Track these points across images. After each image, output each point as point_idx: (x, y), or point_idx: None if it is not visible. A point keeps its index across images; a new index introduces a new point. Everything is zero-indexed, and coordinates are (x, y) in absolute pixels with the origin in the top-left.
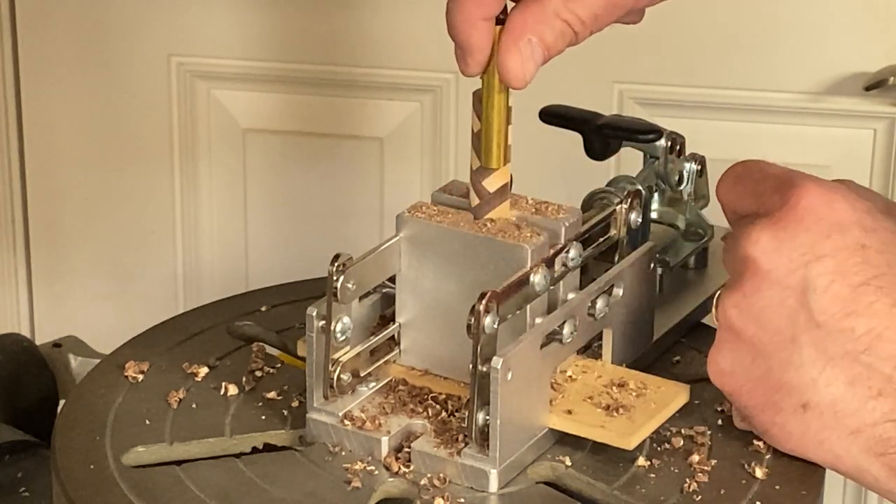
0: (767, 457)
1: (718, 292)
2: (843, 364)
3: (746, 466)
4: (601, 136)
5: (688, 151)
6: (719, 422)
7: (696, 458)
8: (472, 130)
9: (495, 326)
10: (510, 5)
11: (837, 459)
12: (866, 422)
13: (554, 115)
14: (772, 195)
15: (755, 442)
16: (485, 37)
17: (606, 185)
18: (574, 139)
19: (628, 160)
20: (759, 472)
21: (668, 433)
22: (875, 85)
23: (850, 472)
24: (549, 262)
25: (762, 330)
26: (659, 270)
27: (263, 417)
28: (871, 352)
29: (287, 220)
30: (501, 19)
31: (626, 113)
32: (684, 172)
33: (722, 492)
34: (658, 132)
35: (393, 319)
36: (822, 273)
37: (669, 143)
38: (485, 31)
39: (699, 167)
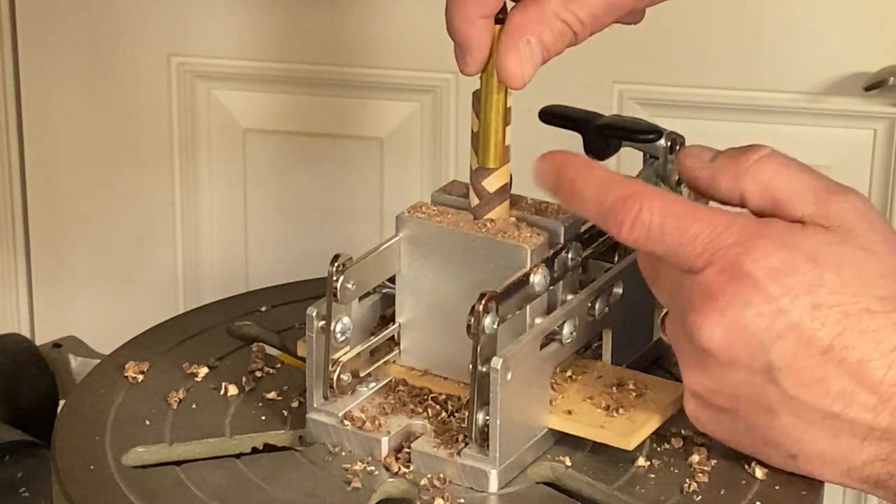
0: None
1: (663, 314)
2: (824, 424)
3: (746, 466)
4: (601, 136)
5: None
6: None
7: (696, 458)
8: (472, 130)
9: (495, 327)
10: (510, 5)
11: (835, 485)
12: (855, 464)
13: (554, 115)
14: (706, 268)
15: None
16: (484, 35)
17: None
18: (574, 139)
19: (628, 160)
20: (759, 473)
21: (668, 433)
22: (875, 85)
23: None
24: (549, 263)
25: (737, 403)
26: None
27: (263, 417)
28: (848, 408)
29: (287, 220)
30: (501, 19)
31: (626, 113)
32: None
33: (722, 492)
34: (658, 132)
35: (393, 320)
36: (784, 351)
37: (669, 144)
38: (484, 30)
39: None
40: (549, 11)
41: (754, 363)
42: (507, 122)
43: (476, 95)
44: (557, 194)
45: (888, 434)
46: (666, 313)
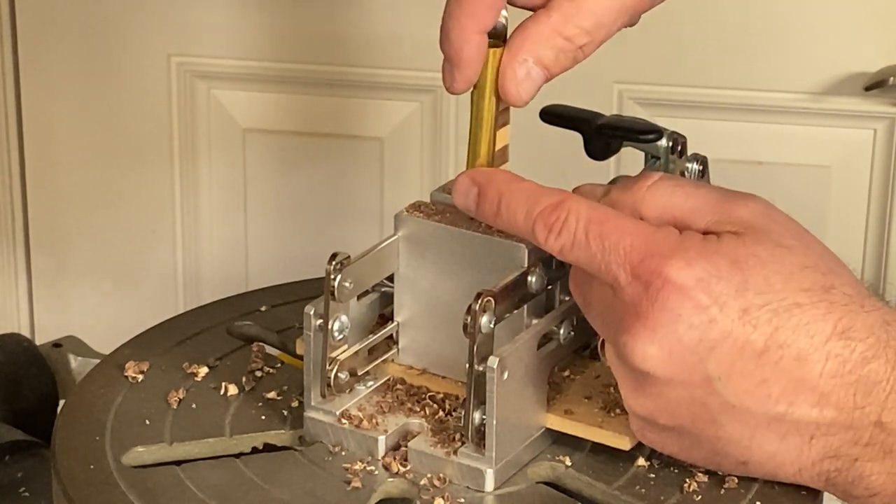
0: None
1: (600, 340)
2: (770, 427)
3: None
4: (601, 136)
5: (688, 152)
6: None
7: None
8: (471, 130)
9: (491, 326)
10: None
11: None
12: (806, 463)
13: (554, 115)
14: (631, 282)
15: None
16: (476, 51)
17: None
18: (574, 139)
19: (628, 160)
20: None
21: None
22: (875, 85)
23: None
24: (547, 262)
25: (680, 420)
26: None
27: (263, 417)
28: (792, 407)
29: (287, 220)
30: (494, 42)
31: (626, 113)
32: (686, 173)
33: (722, 492)
34: (658, 132)
35: (392, 318)
36: (721, 360)
37: (671, 144)
38: (477, 47)
39: (701, 167)
40: (548, 29)
41: (693, 377)
42: (495, 134)
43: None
44: (482, 211)
45: (833, 428)
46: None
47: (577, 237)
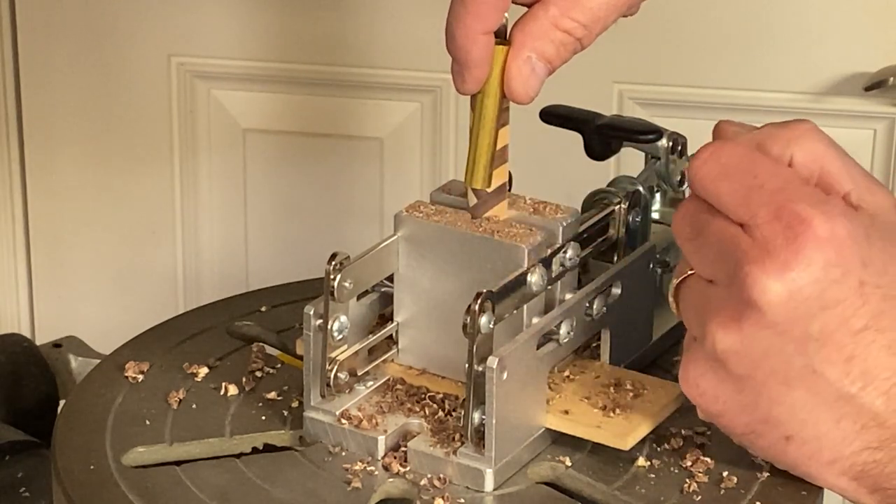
0: None
1: (675, 283)
2: (835, 405)
3: (746, 466)
4: (601, 136)
5: (688, 152)
6: None
7: (695, 458)
8: (470, 130)
9: (491, 326)
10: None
11: (808, 478)
12: (845, 453)
13: (554, 115)
14: (771, 221)
15: None
16: (484, 52)
17: (607, 186)
18: (574, 139)
19: (629, 160)
20: (760, 473)
21: (668, 433)
22: (875, 85)
23: (820, 484)
24: (547, 262)
25: (756, 370)
26: (658, 271)
27: (263, 417)
28: (863, 392)
29: (287, 220)
30: (500, 40)
31: (626, 113)
32: (686, 173)
33: (722, 492)
34: (658, 132)
35: (391, 318)
36: (826, 324)
37: (671, 144)
38: (484, 47)
39: None
40: (546, 23)
41: (794, 329)
42: (501, 124)
43: (475, 96)
44: None
45: (887, 421)
46: (681, 281)
47: (727, 169)
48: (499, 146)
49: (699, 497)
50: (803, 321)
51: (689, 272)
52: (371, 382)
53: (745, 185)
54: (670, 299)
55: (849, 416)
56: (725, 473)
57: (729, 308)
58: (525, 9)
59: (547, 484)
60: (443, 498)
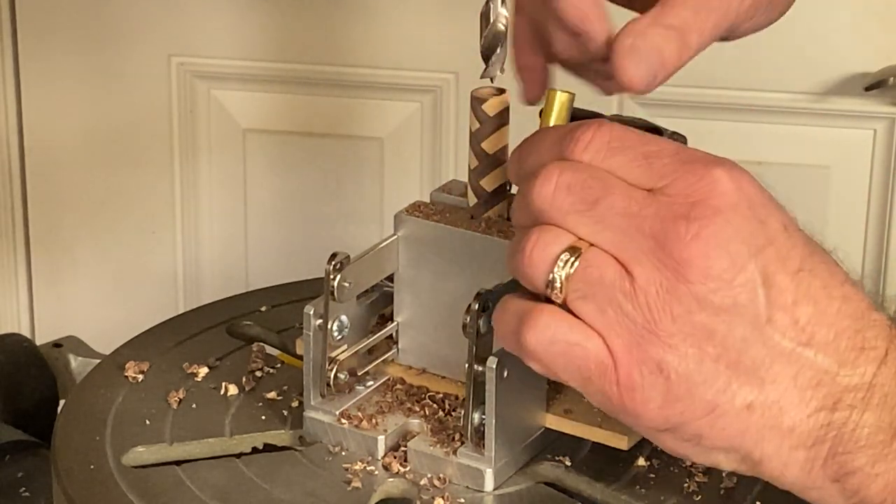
0: None
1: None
2: (790, 360)
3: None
4: None
5: None
6: None
7: None
8: (471, 130)
9: (491, 326)
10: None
11: (761, 465)
12: (803, 415)
13: None
14: (682, 177)
15: None
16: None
17: None
18: None
19: None
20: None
21: None
22: (875, 85)
23: (773, 472)
24: None
25: (716, 323)
26: None
27: (263, 417)
28: (812, 342)
29: (287, 220)
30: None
31: (626, 113)
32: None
33: (722, 492)
34: (658, 132)
35: (392, 318)
36: (766, 264)
37: None
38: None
39: None
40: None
41: (738, 276)
42: (501, 125)
43: (475, 96)
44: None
45: (837, 376)
46: (575, 263)
47: (614, 144)
48: (499, 146)
49: (699, 497)
50: (744, 264)
51: (573, 251)
52: (371, 382)
53: (642, 154)
54: (560, 286)
55: (804, 372)
56: (725, 473)
57: (666, 272)
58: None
59: (547, 484)
60: (443, 498)
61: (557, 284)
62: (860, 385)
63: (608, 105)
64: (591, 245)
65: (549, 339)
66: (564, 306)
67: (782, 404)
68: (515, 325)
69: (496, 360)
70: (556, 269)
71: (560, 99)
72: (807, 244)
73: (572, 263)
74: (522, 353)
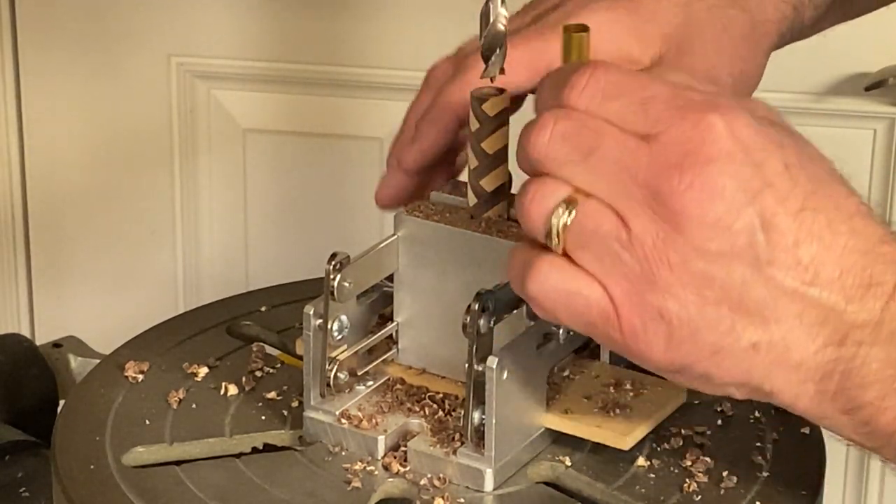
0: (768, 457)
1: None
2: (793, 299)
3: (747, 466)
4: None
5: None
6: (719, 422)
7: (695, 457)
8: (471, 130)
9: (491, 326)
10: None
11: (773, 396)
12: (810, 350)
13: None
14: (677, 123)
15: (755, 443)
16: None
17: None
18: None
19: None
20: (760, 472)
21: (668, 433)
22: (875, 85)
23: (784, 403)
24: None
25: (718, 265)
26: None
27: (263, 417)
28: (816, 280)
29: (287, 220)
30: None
31: None
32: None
33: (722, 492)
34: None
35: (391, 318)
36: (765, 208)
37: None
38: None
39: None
40: None
41: (736, 221)
42: (501, 125)
43: (475, 96)
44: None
45: (845, 312)
46: (569, 216)
47: (610, 89)
48: (498, 146)
49: (699, 497)
50: (741, 210)
51: (569, 202)
52: (371, 382)
53: (638, 100)
54: (556, 238)
55: (809, 310)
56: (725, 473)
57: (661, 223)
58: None
59: (547, 484)
60: (443, 498)
61: (555, 235)
62: (868, 321)
63: None
64: (588, 195)
65: (551, 287)
66: (567, 255)
67: (788, 342)
68: (521, 273)
69: (496, 360)
70: (553, 221)
71: (576, 39)
72: (811, 180)
73: (569, 214)
74: (528, 300)
